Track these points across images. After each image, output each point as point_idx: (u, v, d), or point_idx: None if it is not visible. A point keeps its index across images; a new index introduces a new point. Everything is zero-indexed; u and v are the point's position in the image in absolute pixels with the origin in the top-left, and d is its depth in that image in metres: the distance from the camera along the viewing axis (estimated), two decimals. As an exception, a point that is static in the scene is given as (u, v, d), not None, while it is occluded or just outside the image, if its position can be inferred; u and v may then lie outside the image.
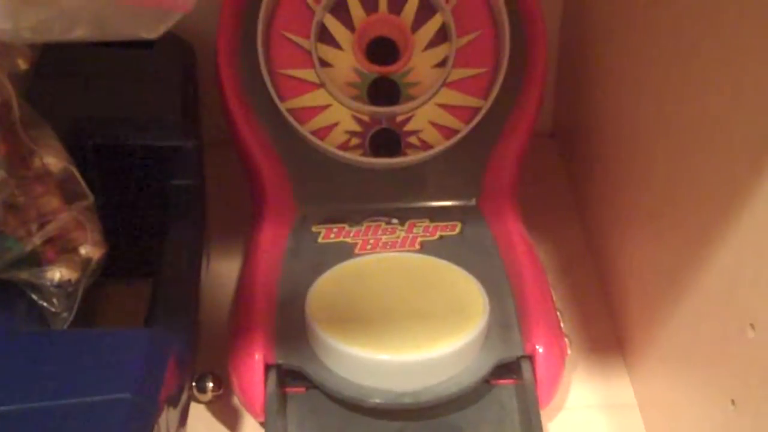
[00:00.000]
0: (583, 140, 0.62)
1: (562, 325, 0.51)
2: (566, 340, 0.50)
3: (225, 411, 0.50)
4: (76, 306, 0.43)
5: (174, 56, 0.55)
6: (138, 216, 0.52)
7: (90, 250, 0.43)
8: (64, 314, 0.42)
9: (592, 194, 0.61)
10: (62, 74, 0.50)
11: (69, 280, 0.42)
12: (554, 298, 0.52)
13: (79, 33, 0.33)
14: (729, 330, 0.40)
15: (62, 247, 0.42)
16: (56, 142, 0.42)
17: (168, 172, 0.52)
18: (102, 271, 0.46)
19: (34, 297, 0.42)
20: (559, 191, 0.65)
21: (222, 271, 0.56)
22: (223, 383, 0.47)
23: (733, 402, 0.40)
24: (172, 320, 0.46)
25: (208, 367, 0.47)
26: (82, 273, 0.43)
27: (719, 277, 0.41)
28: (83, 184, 0.42)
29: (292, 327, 0.48)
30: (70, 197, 0.42)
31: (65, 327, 0.43)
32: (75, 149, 0.46)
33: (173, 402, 0.42)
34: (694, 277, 0.44)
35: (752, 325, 0.38)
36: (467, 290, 0.49)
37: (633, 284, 0.53)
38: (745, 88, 0.37)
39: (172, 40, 0.56)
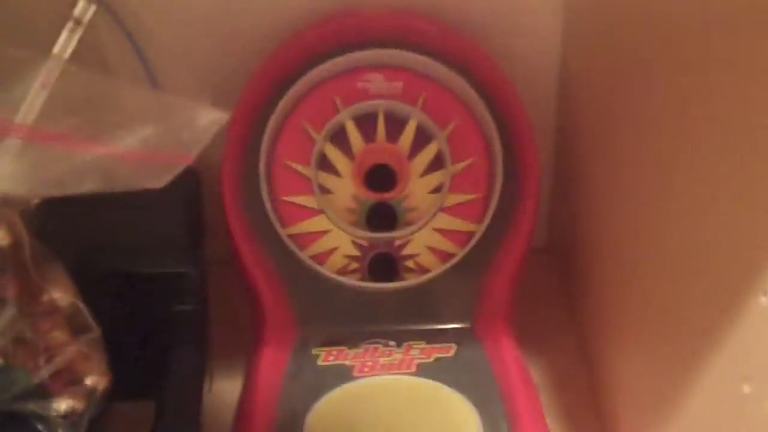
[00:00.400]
0: (578, 256, 0.64)
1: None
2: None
3: None
4: (81, 436, 0.44)
5: (178, 182, 0.57)
6: (142, 339, 0.53)
7: (96, 380, 0.45)
8: (70, 444, 0.44)
9: (586, 310, 0.62)
10: (68, 203, 0.52)
11: (75, 411, 0.44)
12: (546, 420, 0.53)
13: (89, 186, 0.35)
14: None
15: (69, 379, 0.44)
16: (64, 277, 0.44)
17: (172, 297, 0.53)
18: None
19: (41, 428, 0.43)
20: (554, 306, 0.66)
21: (224, 390, 0.57)
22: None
23: None
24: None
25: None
26: (88, 403, 0.44)
27: (700, 406, 0.42)
28: (89, 317, 0.44)
29: (291, 451, 0.49)
30: (77, 330, 0.44)
31: (70, 456, 0.44)
32: (82, 277, 0.48)
33: None
34: (679, 403, 0.45)
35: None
36: (462, 414, 0.51)
37: (623, 404, 0.54)
38: (736, 212, 0.39)
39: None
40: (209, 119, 0.35)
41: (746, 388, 0.38)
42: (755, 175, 0.36)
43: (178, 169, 0.36)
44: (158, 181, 0.36)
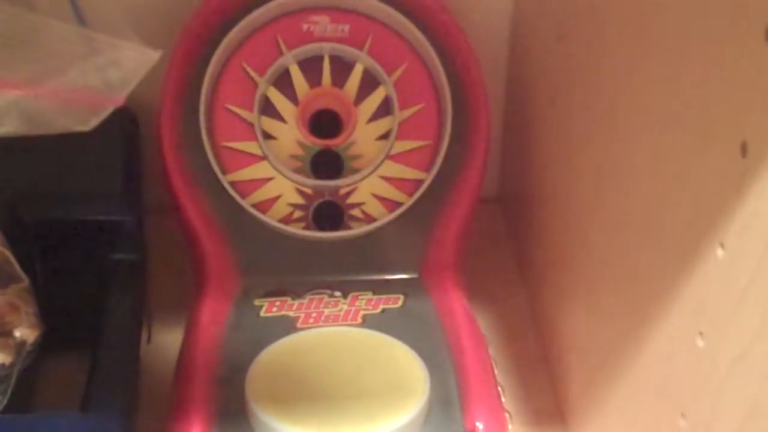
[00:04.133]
0: (527, 208, 0.63)
1: (503, 399, 0.51)
2: (507, 415, 0.50)
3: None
4: (10, 389, 0.42)
5: (115, 126, 0.55)
6: (78, 289, 0.52)
7: (25, 332, 0.43)
8: (-2, 398, 0.42)
9: (534, 263, 0.61)
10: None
11: (3, 364, 0.42)
12: (496, 373, 0.52)
13: (9, 129, 0.33)
14: (663, 416, 0.40)
15: (-3, 331, 0.42)
16: (-9, 225, 0.42)
17: (108, 246, 0.52)
18: (41, 346, 0.45)
19: (-32, 381, 0.42)
20: (503, 258, 0.65)
21: (165, 343, 0.56)
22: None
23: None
24: (108, 402, 0.46)
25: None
26: (17, 356, 0.43)
27: (652, 361, 0.42)
28: (18, 267, 0.42)
29: (232, 405, 0.48)
30: (5, 280, 0.42)
31: (-1, 411, 0.42)
32: (14, 225, 0.46)
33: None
34: (630, 358, 0.44)
35: (683, 415, 0.38)
36: (408, 366, 0.49)
37: (574, 358, 0.53)
38: (690, 162, 0.38)
39: (113, 110, 0.55)
40: (139, 59, 0.33)
41: (700, 343, 0.37)
42: (710, 123, 0.35)
43: (106, 111, 0.34)
44: (85, 123, 0.34)
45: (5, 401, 0.42)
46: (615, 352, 0.46)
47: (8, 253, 0.42)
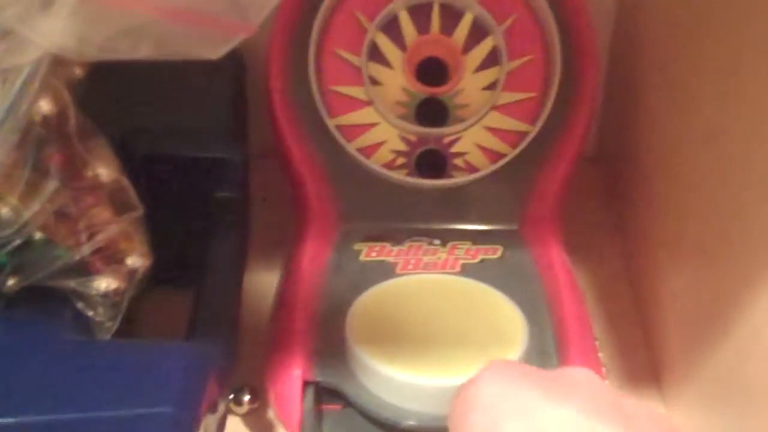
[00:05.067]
0: (628, 165, 0.62)
1: (600, 354, 0.51)
2: (603, 369, 0.50)
3: (260, 424, 0.50)
4: (120, 316, 0.43)
5: (224, 68, 0.56)
6: (182, 225, 0.52)
7: (136, 260, 0.44)
8: (109, 323, 0.43)
9: (634, 221, 0.61)
10: (114, 83, 0.50)
11: (115, 290, 0.43)
12: (592, 326, 0.52)
13: (143, 52, 0.33)
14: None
15: (110, 257, 0.43)
16: (109, 153, 0.43)
17: (214, 183, 0.52)
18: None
19: (80, 305, 0.43)
20: (601, 215, 0.65)
21: (261, 281, 0.56)
22: (259, 396, 0.47)
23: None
24: (213, 332, 0.46)
25: (244, 378, 0.47)
26: (128, 283, 0.43)
27: (760, 324, 0.41)
28: (134, 195, 0.43)
29: (331, 344, 0.48)
30: (120, 208, 0.43)
31: (109, 336, 0.43)
32: (123, 159, 0.47)
33: (211, 414, 0.42)
34: (736, 319, 0.43)
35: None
36: (507, 316, 0.49)
37: (672, 317, 0.52)
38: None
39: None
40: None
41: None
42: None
43: (237, 39, 0.34)
44: (213, 51, 0.34)
45: (116, 326, 0.43)
46: (719, 312, 0.45)
47: (125, 182, 0.42)
